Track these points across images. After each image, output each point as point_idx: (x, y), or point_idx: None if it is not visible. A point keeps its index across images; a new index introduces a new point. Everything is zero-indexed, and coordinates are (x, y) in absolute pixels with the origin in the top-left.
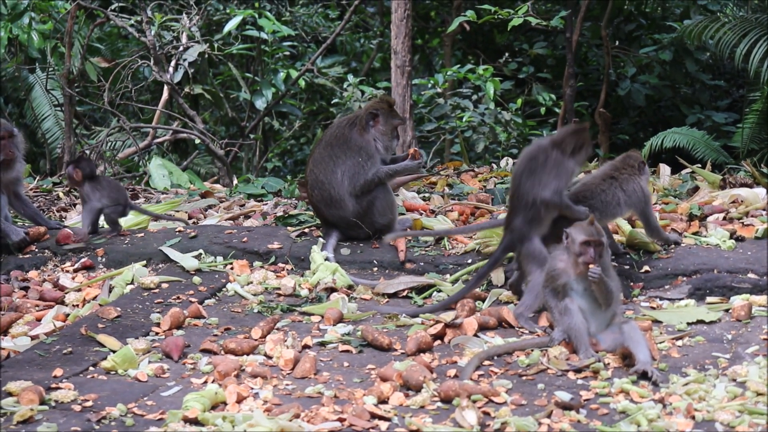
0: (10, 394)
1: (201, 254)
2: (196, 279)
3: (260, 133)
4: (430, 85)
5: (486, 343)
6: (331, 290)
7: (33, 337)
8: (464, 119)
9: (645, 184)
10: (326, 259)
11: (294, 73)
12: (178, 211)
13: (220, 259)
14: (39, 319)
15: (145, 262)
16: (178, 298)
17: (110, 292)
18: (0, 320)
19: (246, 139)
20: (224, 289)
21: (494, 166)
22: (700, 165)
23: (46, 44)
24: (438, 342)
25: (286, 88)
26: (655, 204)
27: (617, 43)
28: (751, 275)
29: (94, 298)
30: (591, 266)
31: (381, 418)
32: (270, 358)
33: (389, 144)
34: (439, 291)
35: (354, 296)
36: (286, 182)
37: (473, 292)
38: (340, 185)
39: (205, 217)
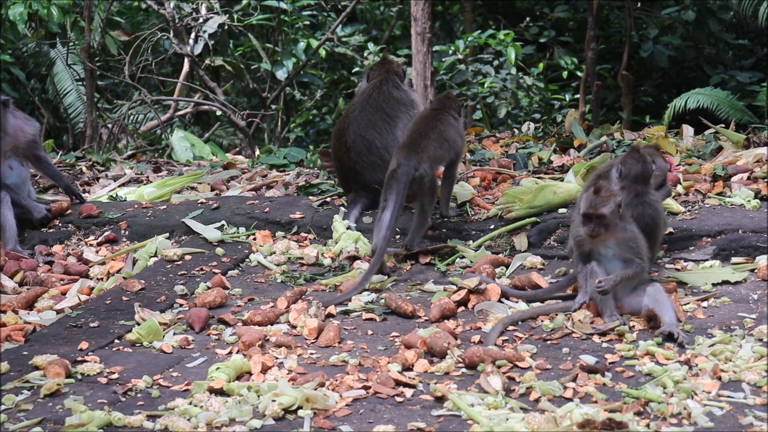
0: (36, 368)
1: (223, 225)
2: (219, 250)
3: (282, 104)
4: (451, 52)
5: (510, 308)
6: (354, 258)
7: (58, 311)
8: (486, 85)
9: None
10: (348, 227)
11: (314, 43)
12: (200, 183)
13: (242, 230)
14: (64, 293)
15: (167, 234)
16: (202, 269)
17: (134, 264)
18: (26, 295)
19: (267, 110)
20: (247, 259)
21: (516, 131)
22: (723, 125)
23: (65, 19)
24: (462, 308)
25: (307, 57)
26: (678, 165)
27: (639, 4)
28: None
29: (118, 271)
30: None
31: (406, 385)
32: (294, 327)
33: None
34: (462, 257)
35: None
36: (308, 152)
37: (496, 258)
38: None
39: (227, 189)
